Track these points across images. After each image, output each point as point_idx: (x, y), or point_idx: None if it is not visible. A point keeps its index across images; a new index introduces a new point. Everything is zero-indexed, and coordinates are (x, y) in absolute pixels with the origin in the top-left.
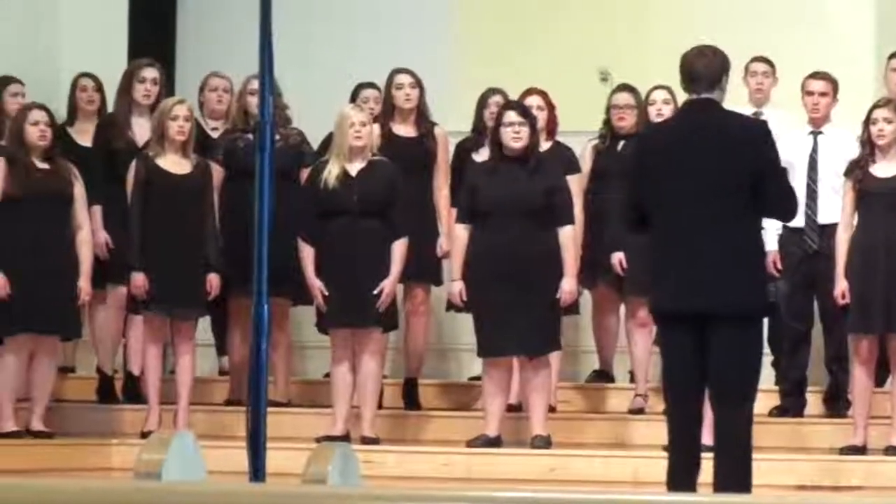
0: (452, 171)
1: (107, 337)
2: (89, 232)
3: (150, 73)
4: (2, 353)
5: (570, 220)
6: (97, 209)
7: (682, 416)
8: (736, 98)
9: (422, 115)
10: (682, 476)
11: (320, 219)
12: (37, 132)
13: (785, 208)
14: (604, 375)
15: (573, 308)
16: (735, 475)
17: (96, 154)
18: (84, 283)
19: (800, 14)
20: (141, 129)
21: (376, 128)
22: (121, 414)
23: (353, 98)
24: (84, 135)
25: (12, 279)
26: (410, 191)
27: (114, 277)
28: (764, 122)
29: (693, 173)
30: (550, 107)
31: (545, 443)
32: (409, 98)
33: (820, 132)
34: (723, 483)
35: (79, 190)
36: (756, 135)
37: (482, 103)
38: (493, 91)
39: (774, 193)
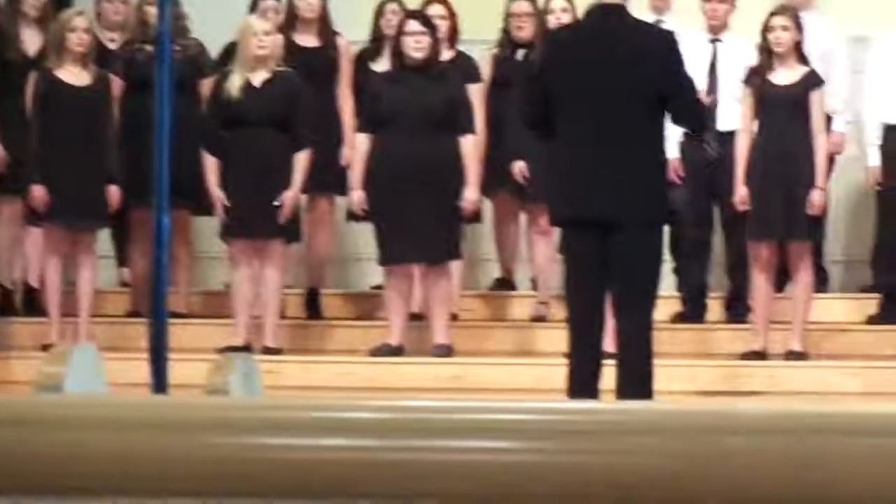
0: (353, 81)
1: (2, 250)
2: None
3: None
4: None
5: (472, 129)
6: None
7: (584, 323)
8: (636, 4)
9: (325, 25)
10: (583, 383)
11: (224, 129)
12: None
13: (695, 118)
14: (505, 283)
15: (475, 217)
16: (637, 382)
17: None
18: None
19: None
20: (31, 40)
21: (279, 38)
22: (21, 327)
23: (253, 8)
24: None
25: None
26: (313, 101)
27: (7, 190)
28: (672, 33)
29: (600, 80)
30: (452, 16)
31: (447, 351)
32: (311, 7)
33: (719, 40)
34: (625, 389)
35: None
36: (665, 46)
37: (379, 12)
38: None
39: (683, 105)
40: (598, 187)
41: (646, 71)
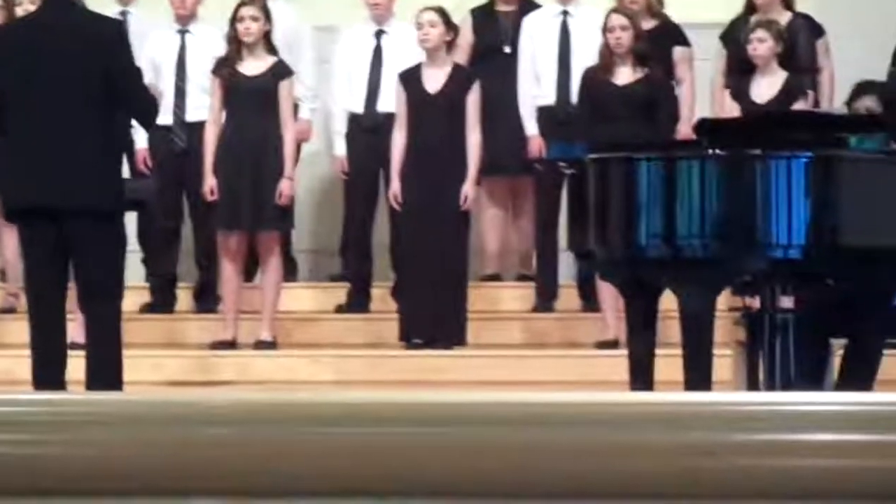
0: None
1: None
2: None
3: None
4: None
5: None
6: None
7: (46, 315)
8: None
9: None
10: (49, 374)
11: None
12: None
13: (142, 111)
14: None
15: None
16: (106, 372)
17: None
18: None
19: None
20: None
21: None
22: None
23: None
24: None
25: None
26: None
27: None
28: (119, 22)
29: (45, 71)
30: None
31: None
32: None
33: (187, 31)
34: (94, 380)
35: None
36: (109, 35)
37: None
38: None
39: (130, 97)
40: (49, 177)
41: (93, 60)
